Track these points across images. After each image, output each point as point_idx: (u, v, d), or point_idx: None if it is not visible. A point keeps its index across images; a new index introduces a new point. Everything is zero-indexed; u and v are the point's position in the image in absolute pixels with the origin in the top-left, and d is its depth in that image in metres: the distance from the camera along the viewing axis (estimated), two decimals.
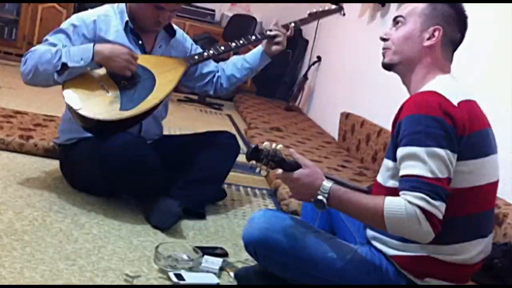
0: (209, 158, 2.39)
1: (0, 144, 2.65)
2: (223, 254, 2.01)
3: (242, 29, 5.00)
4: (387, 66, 1.70)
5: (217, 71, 2.56)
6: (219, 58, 2.50)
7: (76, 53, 2.12)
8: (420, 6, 1.64)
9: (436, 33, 1.60)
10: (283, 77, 5.94)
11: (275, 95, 5.95)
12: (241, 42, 2.45)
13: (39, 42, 5.74)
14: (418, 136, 1.45)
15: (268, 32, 2.45)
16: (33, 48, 2.20)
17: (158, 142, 2.49)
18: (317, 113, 5.24)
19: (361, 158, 3.73)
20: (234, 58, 2.58)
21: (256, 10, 6.01)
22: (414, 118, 1.47)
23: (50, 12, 5.73)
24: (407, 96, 1.67)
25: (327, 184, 1.54)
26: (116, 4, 2.39)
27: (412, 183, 1.43)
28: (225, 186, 2.67)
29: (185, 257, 1.86)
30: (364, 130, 3.78)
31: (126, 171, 2.13)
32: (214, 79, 2.56)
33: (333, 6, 2.72)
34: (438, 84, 1.56)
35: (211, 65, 2.56)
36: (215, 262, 1.89)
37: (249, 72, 2.54)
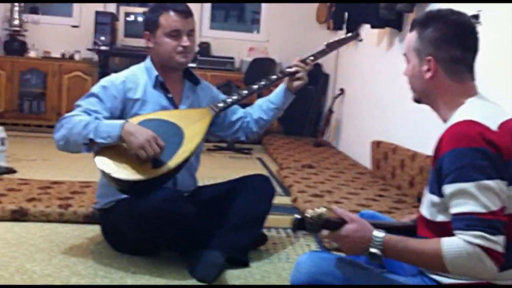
0: (245, 203, 2.38)
1: (40, 216, 2.69)
2: None
3: (263, 72, 5.05)
4: (415, 101, 1.70)
5: (245, 117, 2.59)
6: (243, 102, 2.52)
7: (103, 130, 2.15)
8: (412, 40, 1.62)
9: (431, 64, 1.57)
10: (308, 113, 5.96)
11: (302, 132, 5.96)
12: (263, 83, 2.47)
13: (67, 111, 5.95)
14: (463, 171, 1.42)
15: (288, 70, 2.47)
16: (67, 115, 2.24)
17: (194, 194, 2.50)
18: (347, 145, 5.21)
19: (398, 185, 3.68)
20: (259, 101, 2.60)
21: (273, 52, 6.09)
22: (456, 153, 1.44)
23: (75, 80, 5.92)
24: (437, 117, 1.66)
25: (379, 235, 1.52)
26: (141, 63, 2.46)
27: (467, 221, 1.40)
28: (265, 230, 2.65)
29: None
30: (398, 156, 3.74)
31: (165, 227, 2.14)
32: (244, 125, 2.58)
33: (350, 34, 2.74)
34: (470, 110, 1.52)
35: (238, 112, 2.59)
36: None
37: (275, 112, 2.56)
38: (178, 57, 2.36)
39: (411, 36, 1.64)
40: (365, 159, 4.46)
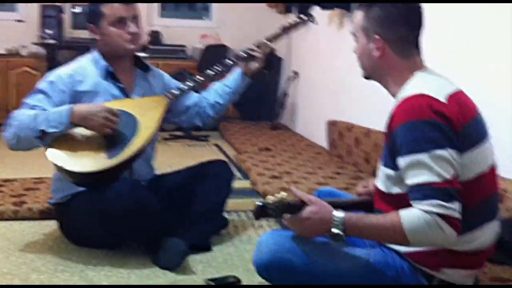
0: (205, 190, 2.39)
1: None
2: (236, 282, 1.99)
3: (216, 59, 5.02)
4: (365, 78, 1.74)
5: (201, 102, 2.56)
6: (199, 88, 2.51)
7: (53, 118, 2.12)
8: (359, 19, 1.64)
9: (379, 43, 1.60)
10: (263, 98, 5.96)
11: (259, 117, 5.96)
12: (218, 69, 2.46)
13: (16, 108, 5.76)
14: (416, 143, 1.45)
15: (242, 53, 2.46)
16: (14, 113, 2.20)
17: (152, 183, 2.48)
18: (303, 127, 5.25)
19: (354, 162, 3.74)
20: (215, 86, 2.58)
21: (226, 39, 6.05)
22: (408, 126, 1.47)
23: (24, 76, 5.72)
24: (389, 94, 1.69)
25: (339, 215, 1.54)
26: (88, 55, 2.41)
27: (423, 191, 1.43)
28: (226, 214, 2.65)
29: None
30: (352, 134, 3.79)
31: (127, 219, 2.11)
32: (200, 110, 2.56)
33: (304, 17, 2.70)
34: (418, 84, 1.56)
35: (193, 97, 2.56)
36: None
37: (231, 96, 2.55)
38: (126, 44, 2.32)
39: (358, 16, 1.66)
40: (321, 140, 4.50)
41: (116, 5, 2.30)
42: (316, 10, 4.68)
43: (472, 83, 1.95)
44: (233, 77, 2.53)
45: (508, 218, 2.06)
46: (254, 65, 2.45)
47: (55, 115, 2.13)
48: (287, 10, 5.54)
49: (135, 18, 2.35)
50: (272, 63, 6.03)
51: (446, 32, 2.83)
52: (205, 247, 2.31)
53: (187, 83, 2.43)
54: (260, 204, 1.60)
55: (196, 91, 2.57)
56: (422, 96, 1.49)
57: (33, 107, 2.20)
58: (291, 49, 5.67)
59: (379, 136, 3.37)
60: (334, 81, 4.49)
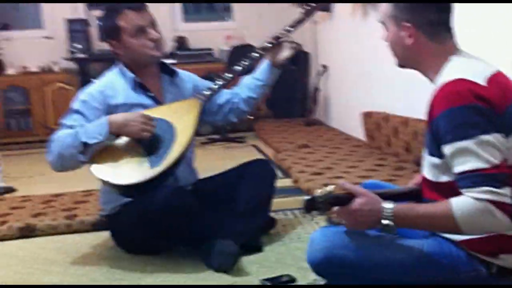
0: (249, 189, 2.39)
1: (48, 230, 2.70)
2: (292, 280, 2.01)
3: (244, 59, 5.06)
4: (400, 67, 1.71)
5: (233, 98, 2.57)
6: (230, 85, 2.51)
7: (92, 130, 2.16)
8: (386, 8, 1.62)
9: (411, 30, 1.58)
10: (295, 94, 5.97)
11: (291, 114, 5.97)
12: (245, 63, 2.44)
13: (55, 123, 5.88)
14: (460, 129, 1.44)
15: (267, 44, 2.44)
16: (53, 136, 2.24)
17: (196, 187, 2.52)
18: (338, 121, 5.24)
19: (394, 153, 3.72)
20: (245, 80, 2.58)
21: (250, 37, 6.07)
22: (449, 112, 1.46)
23: (58, 92, 5.86)
24: (424, 81, 1.67)
25: (388, 206, 1.54)
26: (113, 69, 2.43)
27: (472, 178, 1.42)
28: (272, 214, 2.67)
29: None
30: (390, 124, 3.77)
31: (174, 223, 2.15)
32: (233, 106, 2.57)
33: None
34: (456, 68, 1.54)
35: (225, 95, 2.56)
36: None
37: (263, 88, 2.55)
38: (151, 52, 2.34)
39: (385, 4, 1.64)
40: (358, 132, 4.49)
41: (131, 15, 2.30)
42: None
43: None
44: (262, 69, 2.53)
45: None
46: (281, 54, 2.45)
47: (94, 127, 2.18)
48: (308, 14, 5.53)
49: (152, 24, 2.35)
50: (299, 59, 6.03)
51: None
52: (257, 247, 2.33)
53: (217, 81, 2.43)
54: (309, 197, 1.60)
55: (226, 88, 2.55)
56: (461, 80, 1.48)
57: (70, 127, 2.24)
58: (317, 43, 5.67)
59: (418, 124, 3.35)
60: (364, 71, 4.47)
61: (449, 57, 1.58)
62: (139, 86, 2.39)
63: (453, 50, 1.60)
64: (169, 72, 2.49)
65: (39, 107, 5.87)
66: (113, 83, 2.38)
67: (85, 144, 2.16)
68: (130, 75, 2.37)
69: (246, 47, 5.77)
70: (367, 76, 4.41)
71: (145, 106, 2.36)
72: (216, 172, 2.64)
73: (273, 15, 6.17)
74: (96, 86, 2.37)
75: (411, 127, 3.46)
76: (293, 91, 5.95)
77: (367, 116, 4.18)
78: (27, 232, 2.68)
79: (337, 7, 4.92)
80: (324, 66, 5.43)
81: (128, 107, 2.34)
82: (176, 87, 2.49)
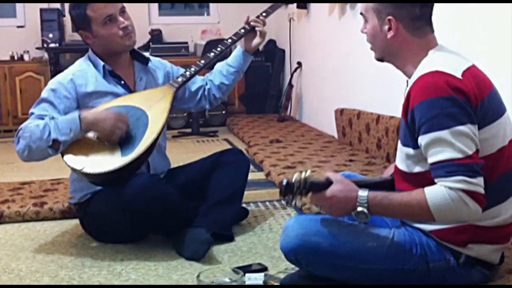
0: (223, 178, 2.40)
1: (17, 217, 2.65)
2: (263, 269, 2.01)
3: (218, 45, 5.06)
4: (378, 60, 1.73)
5: (206, 84, 2.57)
6: (203, 72, 2.50)
7: (63, 126, 2.12)
8: (370, 1, 1.64)
9: (393, 24, 1.60)
10: (268, 90, 5.99)
11: (265, 110, 5.99)
12: (218, 49, 2.45)
13: (23, 113, 5.78)
14: (436, 120, 1.46)
15: (242, 30, 2.46)
16: (22, 125, 2.18)
17: (170, 176, 2.50)
18: (310, 117, 5.27)
19: (365, 149, 3.76)
20: (218, 66, 2.58)
21: (227, 33, 6.05)
22: (426, 103, 1.48)
23: (28, 81, 5.76)
24: (397, 79, 1.69)
25: (363, 193, 1.55)
26: (84, 57, 2.39)
27: (446, 168, 1.44)
28: (244, 205, 2.67)
29: (227, 280, 1.85)
30: (362, 121, 3.81)
31: (149, 212, 2.14)
32: (206, 93, 2.57)
33: None
34: (434, 61, 1.56)
35: (198, 81, 2.56)
36: (258, 278, 1.89)
37: (236, 75, 2.56)
38: (123, 41, 2.29)
39: None
40: (330, 129, 4.53)
41: (99, 4, 2.24)
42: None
43: None
44: (235, 56, 2.53)
45: None
46: (255, 40, 2.47)
47: (65, 123, 2.12)
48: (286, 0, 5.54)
49: (122, 11, 2.30)
50: (274, 55, 6.06)
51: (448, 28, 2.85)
52: (228, 237, 2.33)
53: (191, 69, 2.42)
54: (287, 182, 1.61)
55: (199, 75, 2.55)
56: (438, 73, 1.50)
57: (40, 117, 2.19)
58: (292, 40, 5.69)
59: (389, 121, 3.40)
60: (338, 70, 4.51)
61: (427, 51, 1.60)
62: (110, 74, 2.35)
63: (432, 44, 1.63)
64: (142, 59, 2.46)
65: (8, 96, 5.75)
66: (84, 71, 2.32)
67: (54, 140, 2.11)
68: (101, 63, 2.32)
69: (221, 41, 5.77)
70: (341, 74, 4.45)
71: (116, 94, 2.33)
72: None
73: (250, 10, 6.19)
74: (66, 75, 2.31)
75: (382, 124, 3.50)
76: (267, 87, 5.98)
77: (340, 112, 4.21)
78: None
79: (314, 5, 4.95)
80: (299, 63, 5.46)
81: (99, 95, 2.31)
82: (149, 74, 2.46)
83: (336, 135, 4.38)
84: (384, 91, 3.60)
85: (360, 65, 3.94)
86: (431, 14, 1.64)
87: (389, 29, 1.61)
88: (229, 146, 4.72)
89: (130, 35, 2.31)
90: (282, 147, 4.07)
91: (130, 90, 2.38)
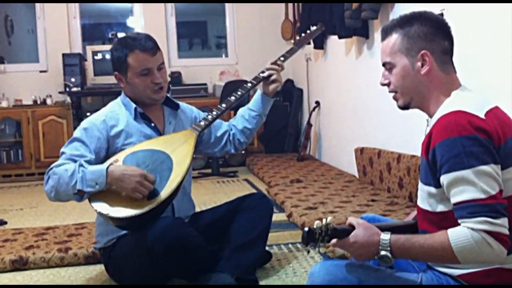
0: (246, 222, 2.40)
1: (41, 263, 2.66)
2: None
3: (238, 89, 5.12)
4: (403, 108, 1.72)
5: (230, 129, 2.61)
6: (224, 116, 2.54)
7: (90, 178, 2.14)
8: (397, 43, 1.65)
9: (426, 58, 1.60)
10: (287, 130, 6.02)
11: (283, 149, 6.01)
12: (239, 93, 2.48)
13: (46, 156, 5.86)
14: (458, 159, 1.45)
15: (261, 74, 2.50)
16: (53, 165, 2.22)
17: (193, 219, 2.51)
18: (330, 156, 5.28)
19: (387, 188, 3.74)
20: (240, 111, 2.63)
21: (245, 74, 6.15)
22: (449, 142, 1.48)
23: (51, 125, 5.87)
24: (416, 117, 1.69)
25: (386, 237, 1.54)
26: (117, 99, 2.46)
27: (469, 208, 1.43)
28: (267, 247, 2.66)
29: None
30: (383, 160, 3.80)
31: (171, 254, 2.14)
32: (231, 138, 2.60)
33: (314, 27, 2.74)
34: (457, 101, 1.57)
35: (223, 126, 2.61)
36: None
37: (258, 119, 2.59)
38: (152, 94, 2.35)
39: (392, 40, 1.67)
40: (350, 168, 4.52)
41: (142, 55, 2.30)
42: (333, 40, 4.77)
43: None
44: (255, 100, 2.57)
45: None
46: (274, 84, 2.50)
47: (92, 175, 2.15)
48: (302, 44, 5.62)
49: (160, 68, 2.37)
50: (292, 94, 6.11)
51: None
52: (253, 281, 2.31)
53: (212, 112, 2.46)
54: (308, 229, 1.61)
55: (221, 118, 2.58)
56: (461, 112, 1.50)
57: (70, 157, 2.23)
58: (310, 79, 5.75)
59: (411, 160, 3.39)
60: (356, 108, 4.53)
61: (452, 90, 1.62)
62: (141, 116, 2.40)
63: (457, 83, 1.64)
64: (172, 104, 2.52)
65: (31, 139, 5.85)
66: (116, 113, 2.39)
67: (80, 189, 2.15)
68: (133, 105, 2.39)
69: (240, 82, 5.84)
70: (360, 113, 4.47)
71: (145, 136, 2.37)
72: (210, 205, 2.64)
73: (268, 52, 6.29)
74: (98, 116, 2.38)
75: (404, 163, 3.49)
76: (286, 127, 6.01)
77: (360, 151, 4.21)
78: (19, 265, 2.65)
79: (331, 45, 5.01)
80: (317, 102, 5.50)
81: (129, 134, 2.35)
82: (177, 119, 2.51)
83: (356, 174, 4.37)
84: (403, 130, 3.61)
85: (379, 103, 3.96)
86: (453, 52, 1.66)
87: (422, 65, 1.62)
88: (249, 186, 4.72)
89: (160, 91, 2.37)
90: (302, 187, 4.06)
91: (159, 133, 2.42)
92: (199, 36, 8.61)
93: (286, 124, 6.02)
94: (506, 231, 1.43)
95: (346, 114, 4.78)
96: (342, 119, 4.89)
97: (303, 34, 2.69)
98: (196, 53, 8.23)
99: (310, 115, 5.57)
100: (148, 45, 2.32)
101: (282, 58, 2.56)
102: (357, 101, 4.51)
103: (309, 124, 5.57)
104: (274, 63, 2.52)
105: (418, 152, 3.33)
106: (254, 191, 4.46)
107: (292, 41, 2.59)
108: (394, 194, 3.62)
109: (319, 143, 5.59)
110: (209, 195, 4.31)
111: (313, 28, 2.74)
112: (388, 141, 3.90)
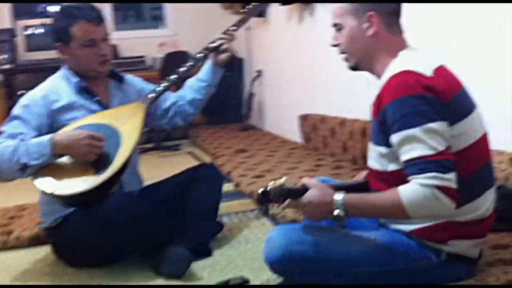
0: (198, 194, 2.39)
1: None
2: (245, 282, 2.00)
3: (178, 66, 5.01)
4: (353, 69, 1.74)
5: (179, 101, 2.55)
6: (174, 88, 2.49)
7: (34, 150, 2.07)
8: (345, 4, 1.67)
9: (373, 19, 1.62)
10: (229, 100, 5.97)
11: (226, 120, 5.97)
12: (189, 64, 2.44)
13: None
14: (407, 118, 1.49)
15: (211, 44, 2.46)
16: None
17: (143, 194, 2.46)
18: (273, 125, 5.29)
19: (331, 153, 3.79)
20: (189, 82, 2.58)
21: (184, 43, 6.03)
22: (398, 102, 1.51)
23: None
24: (359, 81, 1.71)
25: (339, 196, 1.57)
26: (58, 72, 2.36)
27: (419, 165, 1.47)
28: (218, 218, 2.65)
29: None
30: (326, 125, 3.85)
31: (126, 230, 2.10)
32: (179, 109, 2.55)
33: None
34: (404, 61, 1.59)
35: (170, 97, 2.54)
36: None
37: (208, 89, 2.55)
38: (97, 67, 2.29)
39: (341, 1, 1.68)
40: (294, 135, 4.54)
41: (86, 26, 2.23)
42: (274, 7, 4.73)
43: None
44: (206, 70, 2.53)
45: (499, 185, 2.12)
46: (225, 54, 2.46)
47: (36, 147, 2.07)
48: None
49: (105, 39, 2.30)
50: (233, 64, 6.05)
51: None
52: (206, 252, 2.31)
53: (162, 84, 2.40)
54: (263, 190, 1.60)
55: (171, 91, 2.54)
56: (409, 72, 1.53)
57: (11, 135, 2.14)
58: (251, 49, 5.70)
59: (354, 124, 3.44)
60: (299, 76, 4.54)
61: (399, 51, 1.64)
62: (84, 90, 2.32)
63: (403, 44, 1.67)
64: (116, 77, 2.44)
65: None
66: (57, 87, 2.30)
67: (25, 164, 2.06)
68: (75, 79, 2.30)
69: (179, 53, 5.73)
70: (303, 80, 4.47)
71: (89, 110, 2.30)
72: (154, 180, 2.59)
73: (208, 21, 6.18)
74: (39, 91, 2.28)
75: (347, 127, 3.54)
76: (228, 97, 5.96)
77: (304, 118, 4.24)
78: None
79: (272, 13, 4.97)
80: (259, 71, 5.47)
81: (71, 109, 2.27)
82: (122, 92, 2.44)
83: (301, 141, 4.40)
84: (346, 95, 3.64)
85: (321, 70, 3.97)
86: (401, 12, 1.67)
87: (369, 26, 1.63)
88: (193, 160, 4.67)
89: (105, 63, 2.30)
90: (248, 157, 4.06)
91: (104, 106, 2.34)
92: (133, 8, 8.37)
93: (227, 95, 5.96)
94: (454, 185, 1.47)
95: (289, 82, 4.78)
96: (285, 87, 4.89)
97: (253, 3, 2.62)
98: (131, 25, 8.00)
99: (252, 84, 5.54)
100: (93, 15, 2.25)
101: (233, 28, 2.50)
102: (300, 69, 4.51)
103: (251, 94, 5.54)
104: (225, 32, 2.47)
105: (360, 116, 3.39)
106: (198, 163, 4.42)
107: (242, 10, 2.53)
108: (338, 158, 3.67)
109: (261, 112, 5.58)
110: (153, 170, 4.19)
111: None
112: (331, 107, 3.93)
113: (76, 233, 2.19)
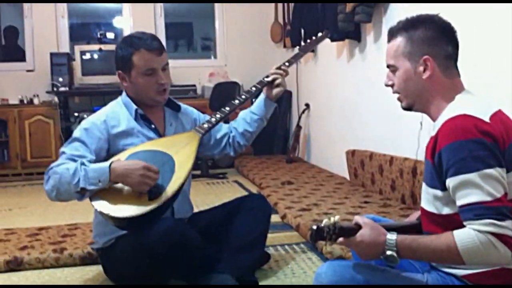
0: (245, 224, 2.39)
1: (36, 263, 2.63)
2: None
3: (226, 96, 5.11)
4: (407, 109, 1.74)
5: (231, 132, 2.60)
6: (227, 119, 2.54)
7: (93, 175, 2.12)
8: (400, 46, 1.67)
9: (428, 63, 1.63)
10: (276, 132, 6.02)
11: (272, 151, 6.02)
12: (243, 97, 2.49)
13: (32, 157, 5.79)
14: (464, 162, 1.48)
15: (266, 79, 2.50)
16: (53, 164, 2.19)
17: (192, 220, 2.50)
18: (319, 158, 5.30)
19: (379, 190, 3.77)
20: (241, 114, 2.62)
21: (233, 75, 6.15)
22: (455, 146, 1.50)
23: (37, 125, 5.79)
24: (407, 119, 1.70)
25: (392, 237, 1.56)
26: (118, 98, 2.45)
27: (475, 211, 1.45)
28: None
29: None
30: (375, 162, 3.83)
31: (172, 255, 2.13)
32: (230, 140, 2.60)
33: (320, 33, 2.74)
34: (461, 105, 1.59)
35: (223, 128, 2.60)
36: None
37: (259, 122, 2.59)
38: (156, 95, 2.34)
39: (396, 43, 1.69)
40: (339, 170, 4.54)
41: (147, 55, 2.28)
42: (325, 42, 4.78)
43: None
44: (258, 103, 2.57)
45: None
46: (277, 88, 2.50)
47: (95, 173, 2.13)
48: (293, 44, 5.65)
49: (165, 67, 2.35)
50: (281, 97, 6.11)
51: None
52: (252, 282, 2.32)
53: (216, 115, 2.46)
54: (317, 227, 1.61)
55: (226, 122, 2.60)
56: (466, 116, 1.53)
57: (70, 157, 2.21)
58: (300, 82, 5.77)
59: (403, 162, 3.42)
60: (346, 111, 4.56)
61: (455, 94, 1.64)
62: (142, 118, 2.39)
63: (460, 87, 1.66)
64: (173, 106, 2.51)
65: (17, 139, 5.77)
66: (117, 113, 2.37)
67: (83, 188, 2.13)
68: (133, 106, 2.37)
69: (229, 84, 5.84)
70: (350, 115, 4.49)
71: (146, 137, 2.36)
72: (202, 207, 2.63)
73: (257, 54, 6.31)
74: (99, 115, 2.36)
75: (396, 165, 3.52)
76: (275, 129, 6.01)
77: (351, 154, 4.24)
78: (14, 266, 2.61)
79: (322, 47, 5.03)
80: (307, 105, 5.52)
81: (129, 135, 2.34)
82: (178, 121, 2.50)
83: (347, 176, 4.39)
84: (394, 132, 3.64)
85: (369, 106, 3.99)
86: (458, 56, 1.68)
87: (425, 69, 1.64)
88: (239, 188, 4.72)
89: (163, 93, 2.35)
90: (294, 189, 4.07)
91: (159, 134, 2.41)
92: (185, 37, 8.59)
93: (275, 126, 6.02)
94: (511, 233, 1.45)
95: (336, 116, 4.81)
96: (332, 121, 4.92)
97: (308, 40, 2.70)
98: (182, 54, 8.20)
99: (300, 117, 5.58)
100: (154, 44, 2.31)
101: (287, 63, 2.55)
102: (348, 104, 4.53)
103: (299, 126, 5.58)
104: (279, 67, 2.52)
105: (409, 154, 3.37)
106: (245, 192, 4.46)
107: (298, 46, 2.59)
108: (386, 196, 3.64)
109: (308, 145, 5.61)
110: (200, 197, 4.30)
111: (319, 34, 2.74)
112: (378, 144, 3.93)
113: (125, 254, 2.24)
